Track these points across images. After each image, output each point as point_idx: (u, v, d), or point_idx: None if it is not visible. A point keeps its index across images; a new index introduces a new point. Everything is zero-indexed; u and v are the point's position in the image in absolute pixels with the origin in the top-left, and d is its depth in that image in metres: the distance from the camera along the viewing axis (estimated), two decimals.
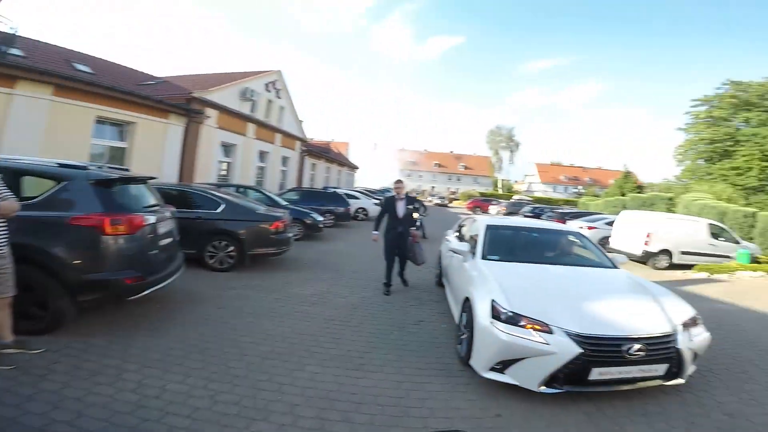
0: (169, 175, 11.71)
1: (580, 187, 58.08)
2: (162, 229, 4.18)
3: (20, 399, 2.47)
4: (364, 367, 3.41)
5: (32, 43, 10.41)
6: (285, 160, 21.04)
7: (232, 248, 6.39)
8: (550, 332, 2.88)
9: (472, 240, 4.91)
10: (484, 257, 4.21)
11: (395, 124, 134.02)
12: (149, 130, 11.29)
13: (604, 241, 12.68)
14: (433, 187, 68.60)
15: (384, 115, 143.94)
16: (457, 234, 6.11)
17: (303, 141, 23.17)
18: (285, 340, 3.83)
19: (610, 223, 13.47)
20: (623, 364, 2.86)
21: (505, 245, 4.64)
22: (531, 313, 2.99)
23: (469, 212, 27.73)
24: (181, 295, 4.84)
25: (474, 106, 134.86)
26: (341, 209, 14.42)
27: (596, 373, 2.84)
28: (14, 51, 8.71)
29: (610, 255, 4.75)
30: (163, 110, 11.70)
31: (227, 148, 15.63)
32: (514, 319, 2.98)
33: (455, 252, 4.67)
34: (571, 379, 2.87)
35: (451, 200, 48.03)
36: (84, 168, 3.70)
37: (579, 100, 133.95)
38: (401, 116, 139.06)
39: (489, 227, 4.78)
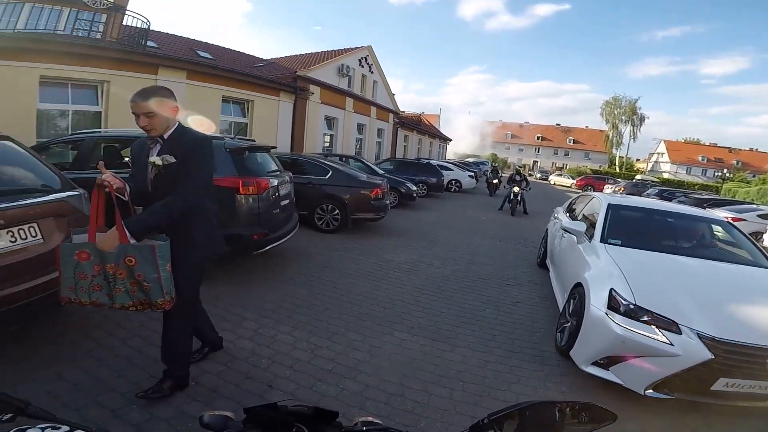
0: (282, 146, 12.89)
1: (725, 170, 47.38)
2: (282, 191, 4.67)
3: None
4: (451, 340, 3.37)
5: (159, 35, 12.16)
6: (380, 132, 21.65)
7: (337, 212, 6.92)
8: (678, 332, 2.53)
9: (588, 220, 4.43)
10: (603, 240, 3.75)
11: (489, 96, 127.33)
12: (264, 106, 12.65)
13: (754, 236, 10.50)
14: (535, 162, 63.88)
15: (476, 86, 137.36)
16: (568, 213, 5.57)
17: (396, 113, 23.47)
18: (379, 303, 4.01)
19: (765, 216, 11.05)
20: (759, 378, 2.43)
21: (630, 229, 4.06)
22: (658, 308, 2.63)
23: (579, 191, 25.26)
24: (293, 252, 5.39)
25: (575, 77, 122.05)
26: (434, 180, 14.43)
27: (722, 384, 2.44)
28: (150, 43, 10.32)
29: None
30: (274, 89, 12.95)
31: (329, 122, 16.65)
32: (635, 313, 2.65)
33: (567, 231, 4.25)
34: (688, 386, 2.51)
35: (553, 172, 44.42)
36: (221, 138, 4.30)
37: (719, 74, 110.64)
38: (495, 88, 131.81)
39: (611, 206, 4.23)
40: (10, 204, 2.35)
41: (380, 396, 2.54)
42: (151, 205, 1.98)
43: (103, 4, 9.47)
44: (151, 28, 10.03)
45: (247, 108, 12.36)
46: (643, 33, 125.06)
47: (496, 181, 17.83)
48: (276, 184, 4.46)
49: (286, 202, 4.83)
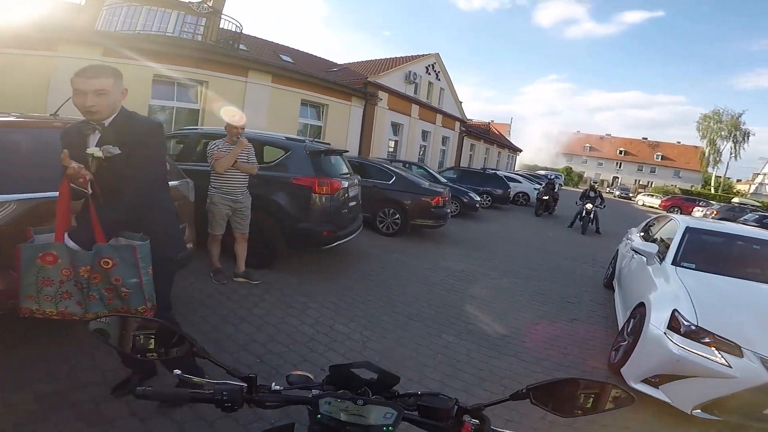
0: (351, 149, 13.42)
1: None
2: (351, 192, 5.03)
3: (237, 320, 3.20)
4: (499, 348, 3.41)
5: (247, 38, 12.99)
6: (445, 140, 21.60)
7: (397, 216, 7.18)
8: (739, 356, 2.50)
9: (663, 242, 4.30)
10: (675, 263, 3.67)
11: (568, 105, 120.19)
12: (338, 110, 13.26)
13: None
14: (615, 177, 59.08)
15: (554, 95, 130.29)
16: (643, 234, 5.38)
17: (462, 121, 23.20)
18: (431, 306, 4.12)
19: None
20: None
21: (707, 253, 3.93)
22: (721, 330, 2.61)
23: (662, 212, 22.96)
24: (355, 251, 5.73)
25: (669, 87, 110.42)
26: (500, 191, 14.08)
27: None
28: (241, 46, 11.18)
29: None
30: (347, 93, 13.51)
31: (395, 127, 17.01)
32: (696, 334, 2.64)
33: (637, 252, 4.21)
34: (740, 408, 2.48)
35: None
36: (302, 141, 4.75)
37: None
38: (575, 98, 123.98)
39: (689, 229, 4.12)
40: None
41: (420, 390, 2.68)
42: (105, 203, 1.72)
43: (205, 9, 10.46)
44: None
45: (322, 111, 13.07)
46: (755, 42, 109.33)
47: (547, 197, 13.73)
48: (346, 185, 4.82)
49: (354, 203, 5.18)
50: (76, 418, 1.91)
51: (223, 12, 10.93)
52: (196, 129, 5.84)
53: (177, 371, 0.82)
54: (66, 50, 7.20)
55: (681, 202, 28.61)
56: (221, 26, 10.89)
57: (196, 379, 0.81)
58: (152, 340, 0.84)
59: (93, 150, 1.68)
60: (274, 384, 0.83)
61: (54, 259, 1.60)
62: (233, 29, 11.01)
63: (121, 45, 7.60)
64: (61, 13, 8.87)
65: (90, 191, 1.68)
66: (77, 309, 1.68)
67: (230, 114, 3.87)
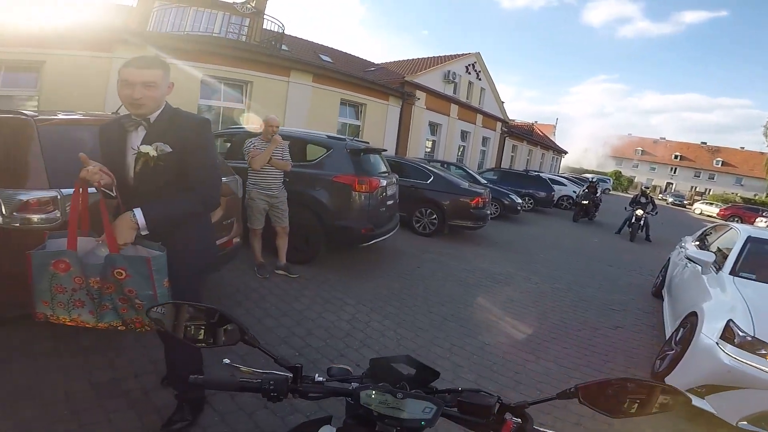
0: (388, 149, 13.57)
1: None
2: (389, 191, 5.08)
3: (279, 313, 3.32)
4: (537, 352, 3.31)
5: (287, 38, 13.02)
6: (485, 141, 21.16)
7: (435, 216, 7.13)
8: None
9: (720, 252, 4.12)
10: (734, 272, 3.52)
11: (618, 107, 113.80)
12: (375, 110, 13.38)
13: None
14: (669, 183, 55.43)
15: (604, 96, 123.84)
16: (698, 243, 5.11)
17: (504, 122, 22.59)
18: (467, 308, 4.06)
19: None
20: None
21: None
22: None
23: (720, 220, 21.23)
24: (392, 250, 5.77)
25: (733, 90, 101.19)
26: (543, 194, 13.57)
27: None
28: (283, 47, 11.35)
29: None
30: (384, 93, 13.58)
31: (433, 127, 16.86)
32: (752, 345, 2.57)
33: (692, 260, 4.05)
34: None
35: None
36: (343, 140, 4.83)
37: None
38: (626, 99, 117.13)
39: (750, 239, 3.94)
40: None
41: (460, 387, 2.63)
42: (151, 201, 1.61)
43: (248, 9, 10.71)
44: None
45: (361, 111, 13.23)
46: None
47: (587, 202, 12.69)
48: (385, 184, 4.87)
49: (391, 202, 5.22)
50: (128, 406, 2.03)
51: (265, 12, 11.23)
52: (243, 128, 6.05)
53: (226, 360, 0.84)
54: (121, 51, 7.63)
55: (742, 211, 26.34)
56: (263, 27, 11.18)
57: (243, 368, 0.82)
58: (203, 329, 0.84)
59: (147, 148, 1.58)
60: (317, 375, 0.85)
61: (66, 267, 1.55)
62: (275, 29, 11.32)
63: (172, 46, 8.01)
64: (113, 14, 9.40)
65: (115, 194, 1.60)
66: (90, 318, 1.63)
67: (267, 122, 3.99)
